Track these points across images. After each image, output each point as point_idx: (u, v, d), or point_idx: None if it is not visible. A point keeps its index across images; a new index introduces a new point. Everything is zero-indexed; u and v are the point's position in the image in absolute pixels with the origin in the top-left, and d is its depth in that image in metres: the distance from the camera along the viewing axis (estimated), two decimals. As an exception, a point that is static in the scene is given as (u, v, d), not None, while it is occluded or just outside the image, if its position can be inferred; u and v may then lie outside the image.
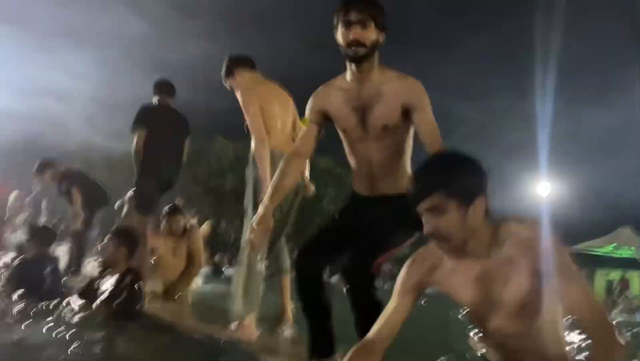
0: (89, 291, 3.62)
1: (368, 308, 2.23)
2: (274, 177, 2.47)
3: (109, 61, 19.51)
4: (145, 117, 4.63)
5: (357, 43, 2.19)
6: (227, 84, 3.50)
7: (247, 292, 3.20)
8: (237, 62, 3.47)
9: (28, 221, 6.99)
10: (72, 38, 18.86)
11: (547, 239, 1.52)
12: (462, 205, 1.51)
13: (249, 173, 3.32)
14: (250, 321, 3.16)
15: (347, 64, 2.28)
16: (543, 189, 21.73)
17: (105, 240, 3.96)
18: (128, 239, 3.75)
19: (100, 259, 4.20)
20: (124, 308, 3.36)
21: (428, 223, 1.55)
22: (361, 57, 2.21)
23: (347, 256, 2.31)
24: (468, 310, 1.70)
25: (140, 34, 20.54)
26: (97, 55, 19.00)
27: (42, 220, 7.69)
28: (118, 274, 3.57)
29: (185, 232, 5.00)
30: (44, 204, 7.45)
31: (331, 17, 2.27)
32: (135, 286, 3.48)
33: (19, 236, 6.60)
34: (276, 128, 3.30)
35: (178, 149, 4.81)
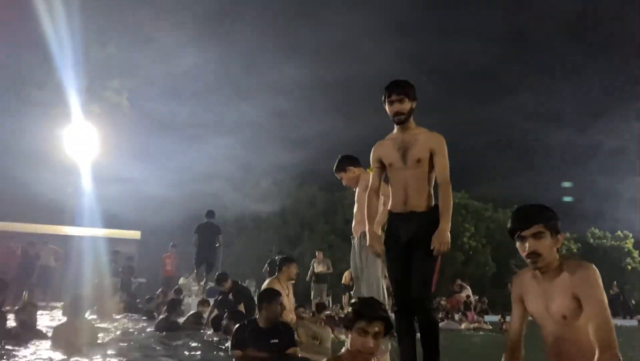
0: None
1: (432, 327, 3.04)
2: (366, 211, 3.39)
3: (243, 142, 22.17)
4: (198, 228, 10.51)
5: (398, 113, 3.27)
6: (338, 176, 4.51)
7: None
8: (348, 161, 4.48)
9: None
10: (205, 130, 21.79)
11: (587, 275, 2.17)
12: (553, 235, 2.24)
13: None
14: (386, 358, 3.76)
15: (394, 124, 3.34)
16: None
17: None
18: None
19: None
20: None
21: (530, 245, 2.24)
22: (402, 122, 3.29)
23: (412, 287, 3.04)
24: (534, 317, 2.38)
25: (269, 115, 23.18)
26: (233, 139, 21.68)
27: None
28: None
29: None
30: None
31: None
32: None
33: None
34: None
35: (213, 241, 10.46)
